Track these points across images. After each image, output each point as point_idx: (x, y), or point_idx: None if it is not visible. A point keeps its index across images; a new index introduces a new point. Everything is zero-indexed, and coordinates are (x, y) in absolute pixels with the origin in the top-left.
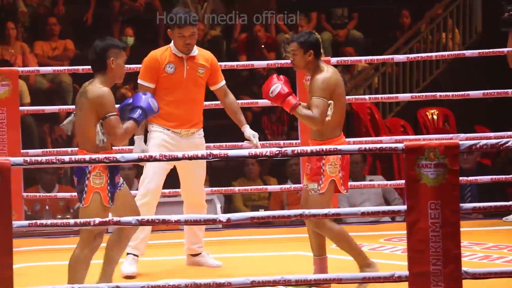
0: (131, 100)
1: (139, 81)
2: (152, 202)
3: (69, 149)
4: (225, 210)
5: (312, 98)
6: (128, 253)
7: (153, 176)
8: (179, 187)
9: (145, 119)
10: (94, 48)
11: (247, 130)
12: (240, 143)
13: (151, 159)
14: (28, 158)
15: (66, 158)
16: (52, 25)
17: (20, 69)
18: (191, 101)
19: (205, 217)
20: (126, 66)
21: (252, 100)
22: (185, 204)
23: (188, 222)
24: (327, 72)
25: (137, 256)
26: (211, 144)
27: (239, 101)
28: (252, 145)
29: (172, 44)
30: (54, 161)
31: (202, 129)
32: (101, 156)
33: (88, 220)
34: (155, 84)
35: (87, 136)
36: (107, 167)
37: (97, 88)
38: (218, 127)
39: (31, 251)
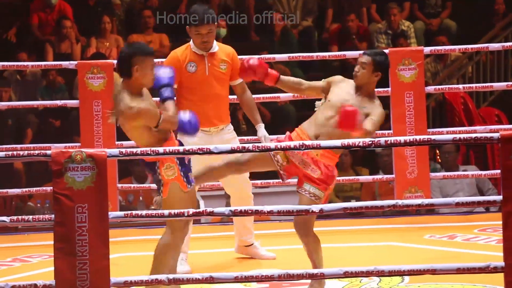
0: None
1: None
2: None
3: None
4: None
5: (372, 116)
6: None
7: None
8: (271, 178)
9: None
10: (120, 54)
11: (261, 130)
12: None
13: (244, 150)
14: (123, 150)
15: (161, 149)
16: (146, 18)
17: (115, 61)
18: (216, 97)
19: (298, 207)
20: None
21: None
22: (232, 199)
23: (281, 213)
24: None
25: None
26: None
27: None
28: None
29: (191, 42)
30: (149, 152)
31: (230, 124)
32: (194, 147)
33: (182, 210)
34: (177, 84)
35: (135, 137)
36: (176, 157)
37: (128, 105)
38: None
39: (126, 241)
